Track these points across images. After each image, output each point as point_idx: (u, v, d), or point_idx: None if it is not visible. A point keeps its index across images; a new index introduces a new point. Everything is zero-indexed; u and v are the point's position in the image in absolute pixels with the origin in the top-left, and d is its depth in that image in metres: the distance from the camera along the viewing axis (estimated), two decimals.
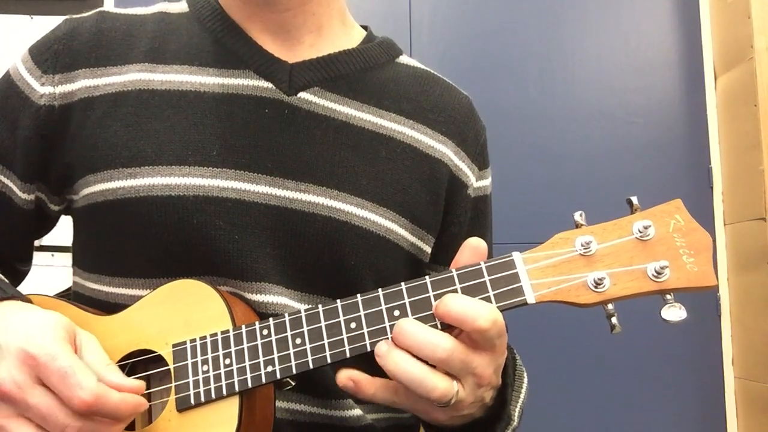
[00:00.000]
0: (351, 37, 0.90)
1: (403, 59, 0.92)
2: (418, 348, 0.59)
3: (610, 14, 2.37)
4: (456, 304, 0.59)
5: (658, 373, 2.21)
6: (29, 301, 0.70)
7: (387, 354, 0.60)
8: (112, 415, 0.60)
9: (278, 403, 0.74)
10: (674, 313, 0.58)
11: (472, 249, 0.64)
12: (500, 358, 0.63)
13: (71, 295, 0.86)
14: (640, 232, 0.60)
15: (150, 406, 0.69)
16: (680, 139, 2.32)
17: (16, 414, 0.60)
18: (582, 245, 0.60)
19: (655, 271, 0.58)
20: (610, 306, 0.60)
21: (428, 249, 0.85)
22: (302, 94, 0.81)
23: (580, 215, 0.62)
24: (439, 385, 0.59)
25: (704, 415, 2.20)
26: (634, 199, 0.61)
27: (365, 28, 0.94)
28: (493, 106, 2.27)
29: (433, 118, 0.87)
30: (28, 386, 0.59)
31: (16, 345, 0.60)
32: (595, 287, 0.59)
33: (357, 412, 0.78)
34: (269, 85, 0.81)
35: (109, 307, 0.77)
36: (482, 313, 0.58)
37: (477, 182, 0.90)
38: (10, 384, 0.59)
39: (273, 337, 0.65)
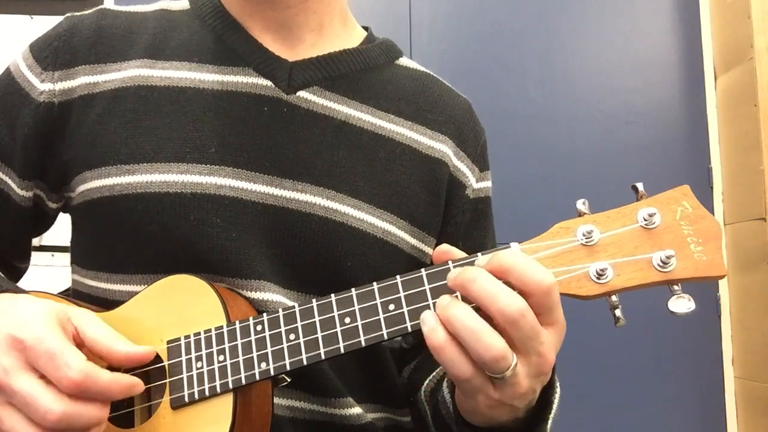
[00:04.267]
0: (352, 38, 0.90)
1: (403, 61, 0.92)
2: (488, 299, 0.55)
3: (610, 14, 2.37)
4: (521, 261, 0.55)
5: (658, 372, 2.21)
6: (25, 292, 0.70)
7: (449, 305, 0.56)
8: (102, 395, 0.59)
9: (278, 401, 0.73)
10: (682, 304, 0.56)
11: (445, 255, 0.62)
12: (559, 343, 0.58)
13: (71, 294, 0.85)
14: (645, 220, 0.58)
15: (150, 404, 0.69)
16: (680, 139, 2.31)
17: (4, 401, 0.59)
18: (584, 234, 0.58)
19: (661, 261, 0.56)
20: (613, 298, 0.58)
21: (430, 251, 0.84)
22: (301, 93, 0.81)
23: (583, 203, 0.60)
24: (496, 343, 0.53)
25: (704, 415, 2.19)
26: (640, 186, 0.59)
27: (366, 29, 0.94)
28: (493, 106, 2.27)
29: (432, 118, 0.87)
30: (15, 370, 0.58)
31: (5, 331, 0.60)
32: (598, 278, 0.57)
33: (357, 410, 0.78)
34: (268, 83, 0.81)
35: (107, 304, 0.77)
36: (545, 273, 0.54)
37: (477, 183, 0.89)
38: None
39: (266, 333, 0.64)
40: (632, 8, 2.37)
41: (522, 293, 0.55)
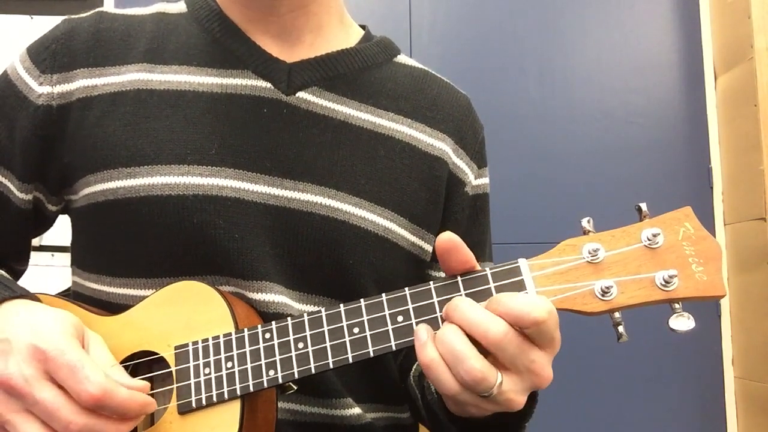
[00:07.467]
0: (349, 37, 0.90)
1: (401, 59, 0.92)
2: (469, 325, 0.57)
3: (610, 14, 2.36)
4: (512, 301, 0.56)
5: (658, 373, 2.21)
6: (38, 299, 0.70)
7: (443, 325, 0.58)
8: (120, 411, 0.60)
9: (279, 404, 0.74)
10: (682, 322, 0.57)
11: (450, 243, 0.61)
12: (554, 354, 0.60)
13: (71, 295, 0.86)
14: (649, 239, 0.59)
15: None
16: (680, 139, 2.31)
17: (23, 409, 0.60)
18: (589, 252, 0.59)
19: (664, 280, 0.58)
20: (617, 314, 0.59)
21: (429, 248, 0.85)
22: (300, 94, 0.81)
23: (588, 222, 0.61)
24: (476, 367, 0.55)
25: (704, 415, 2.20)
26: (644, 206, 0.60)
27: (363, 27, 0.94)
28: (493, 106, 2.27)
29: (431, 116, 0.87)
30: (36, 380, 0.59)
31: (26, 340, 0.60)
32: (603, 295, 0.58)
33: (356, 410, 0.78)
34: (267, 84, 0.81)
35: (110, 307, 0.77)
36: (537, 305, 0.56)
37: (476, 180, 0.90)
38: (18, 378, 0.59)
39: (275, 341, 0.65)
40: (632, 8, 2.37)
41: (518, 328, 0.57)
